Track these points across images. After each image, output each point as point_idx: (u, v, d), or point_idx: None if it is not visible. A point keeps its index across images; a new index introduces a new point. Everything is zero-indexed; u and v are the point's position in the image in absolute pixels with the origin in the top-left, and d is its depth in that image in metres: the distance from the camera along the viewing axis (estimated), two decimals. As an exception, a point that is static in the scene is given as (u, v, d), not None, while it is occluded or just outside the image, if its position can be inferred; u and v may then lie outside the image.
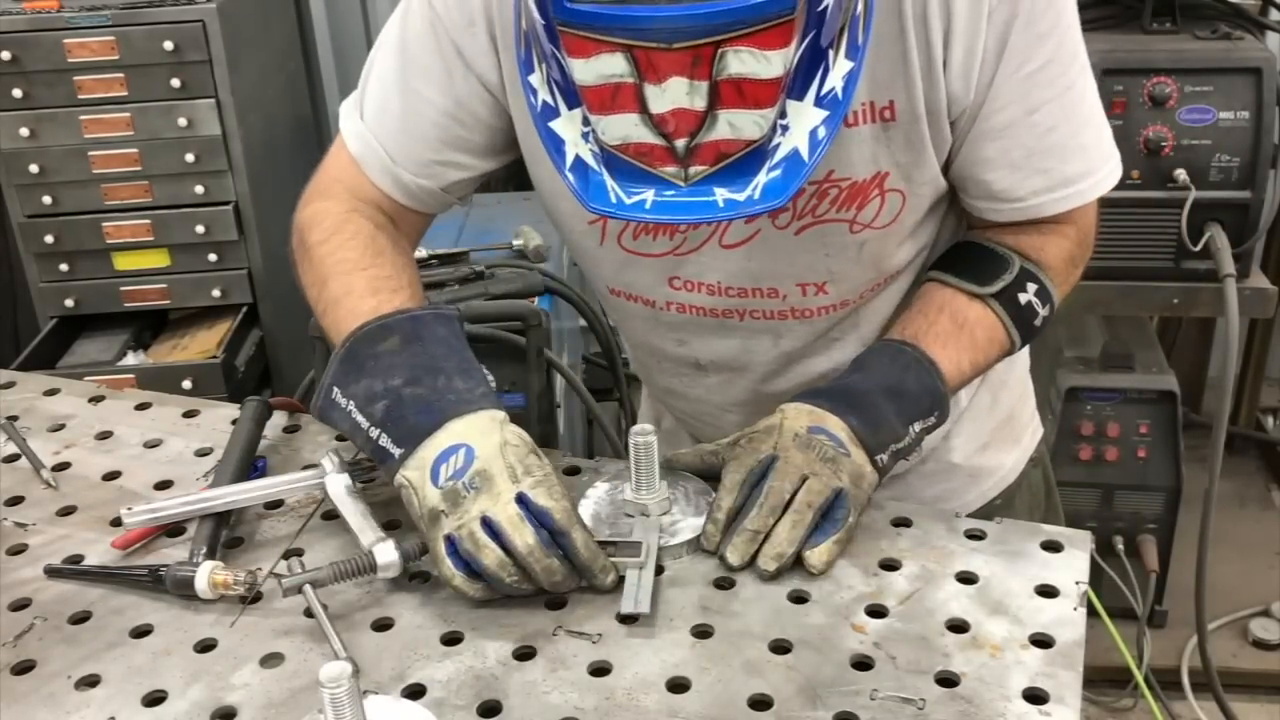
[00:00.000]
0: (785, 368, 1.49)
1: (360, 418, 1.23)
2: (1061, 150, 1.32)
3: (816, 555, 1.19)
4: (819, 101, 1.08)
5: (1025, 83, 1.26)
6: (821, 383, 1.41)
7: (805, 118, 1.08)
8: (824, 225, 1.33)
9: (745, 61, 0.99)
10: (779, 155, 1.07)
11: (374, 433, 1.22)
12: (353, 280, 1.35)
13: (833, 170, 1.29)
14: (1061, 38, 1.26)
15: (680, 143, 1.04)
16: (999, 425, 1.61)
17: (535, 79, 1.14)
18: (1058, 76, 1.27)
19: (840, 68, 1.08)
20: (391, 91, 1.41)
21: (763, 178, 1.07)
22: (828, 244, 1.35)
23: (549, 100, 1.12)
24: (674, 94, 1.01)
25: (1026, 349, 1.63)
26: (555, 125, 1.13)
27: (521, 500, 1.14)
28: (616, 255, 1.42)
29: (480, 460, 1.16)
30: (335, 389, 1.27)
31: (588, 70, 1.02)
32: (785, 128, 1.07)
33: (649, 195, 1.07)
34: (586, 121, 1.08)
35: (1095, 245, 1.46)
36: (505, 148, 1.43)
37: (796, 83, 1.06)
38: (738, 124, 1.03)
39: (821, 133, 1.08)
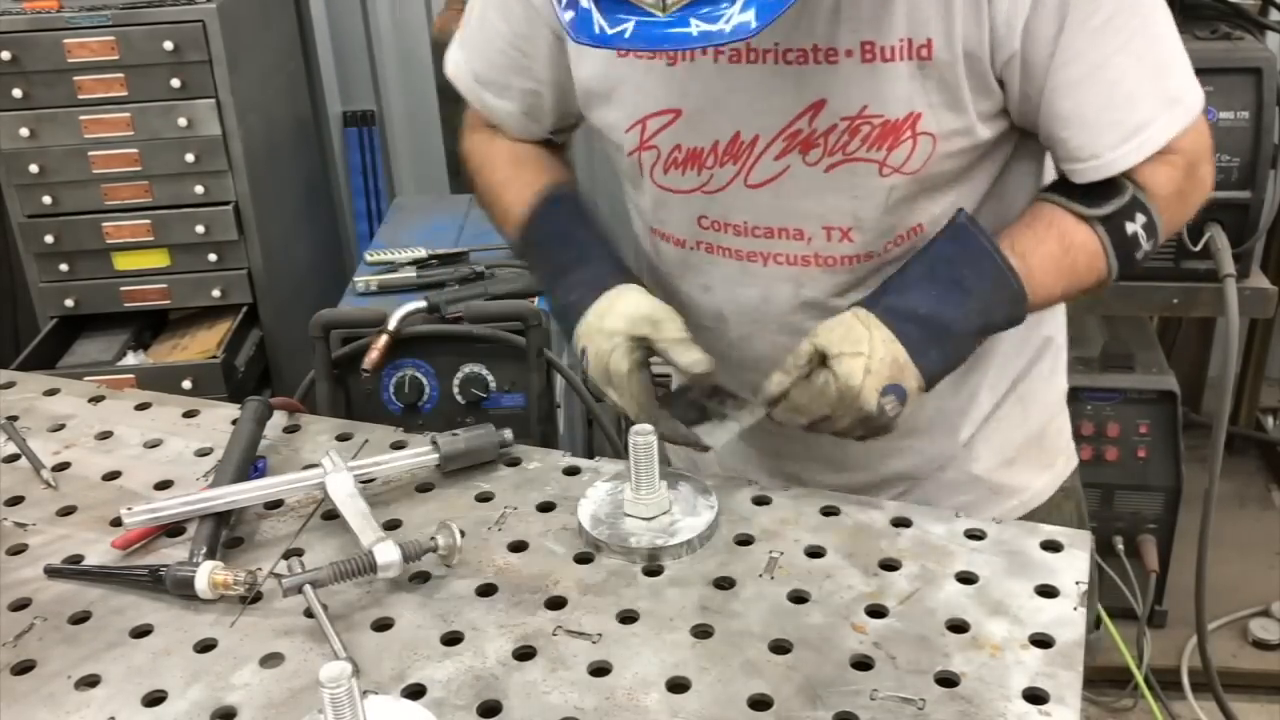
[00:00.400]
0: (804, 323, 1.43)
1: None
2: (1130, 102, 1.30)
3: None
4: None
5: (1094, 36, 1.25)
6: None
7: None
8: (854, 164, 1.33)
9: None
10: None
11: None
12: (508, 191, 1.58)
13: (866, 105, 1.29)
14: None
15: None
16: (1028, 442, 1.58)
17: None
18: (1123, 26, 1.26)
19: None
20: (474, 17, 1.56)
21: (736, 10, 1.08)
22: (856, 185, 1.34)
23: None
24: None
25: (1064, 368, 1.64)
26: None
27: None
28: (653, 191, 1.46)
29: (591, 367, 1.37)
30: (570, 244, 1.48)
31: None
32: None
33: (630, 25, 1.11)
34: None
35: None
36: (569, 79, 1.47)
37: None
38: None
39: None
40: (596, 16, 1.12)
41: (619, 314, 1.36)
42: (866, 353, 1.26)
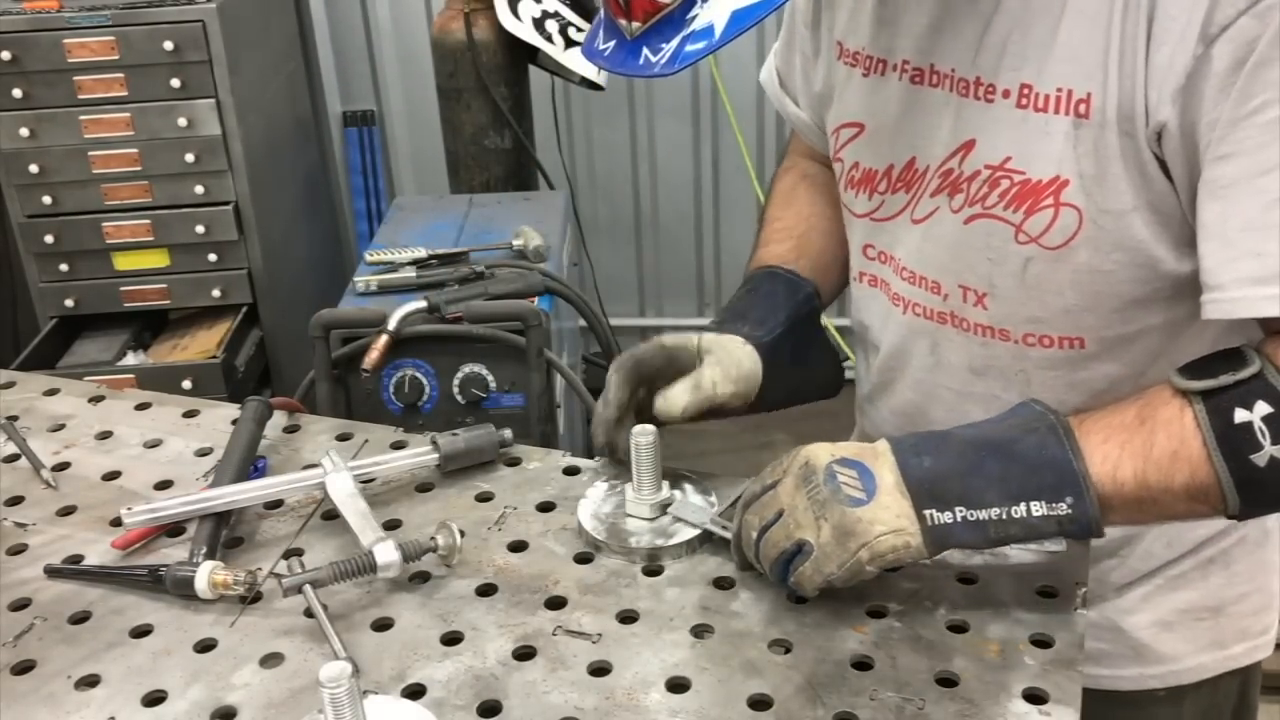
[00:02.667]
0: (934, 388, 1.33)
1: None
2: None
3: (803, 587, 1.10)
4: None
5: (1264, 132, 1.00)
6: None
7: None
8: (990, 221, 1.19)
9: None
10: (693, 26, 1.06)
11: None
12: (763, 232, 1.54)
13: (1010, 158, 1.16)
14: None
15: None
16: (1195, 610, 1.35)
17: None
18: None
19: None
20: (784, 22, 1.51)
21: (674, 44, 1.08)
22: (991, 246, 1.20)
23: None
24: None
25: (1277, 537, 1.37)
26: None
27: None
28: (844, 210, 1.43)
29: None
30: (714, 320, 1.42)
31: None
32: (705, 0, 1.07)
33: (611, 45, 1.14)
34: None
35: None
36: None
37: None
38: None
39: (743, 14, 1.04)
40: (600, 33, 1.16)
41: (683, 335, 1.33)
42: (822, 444, 1.12)
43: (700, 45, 1.06)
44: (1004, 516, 1.05)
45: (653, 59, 1.09)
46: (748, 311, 1.39)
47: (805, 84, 1.48)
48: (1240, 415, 1.02)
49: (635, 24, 1.10)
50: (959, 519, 1.05)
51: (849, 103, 1.34)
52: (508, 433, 1.41)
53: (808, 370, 1.41)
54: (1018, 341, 1.24)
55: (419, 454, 1.37)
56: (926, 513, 1.06)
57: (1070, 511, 1.04)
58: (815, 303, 1.43)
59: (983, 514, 1.05)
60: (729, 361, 1.31)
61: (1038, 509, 1.05)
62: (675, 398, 1.27)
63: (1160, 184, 1.10)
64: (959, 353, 1.29)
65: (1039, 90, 1.13)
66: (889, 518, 1.06)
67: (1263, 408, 1.01)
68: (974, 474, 1.06)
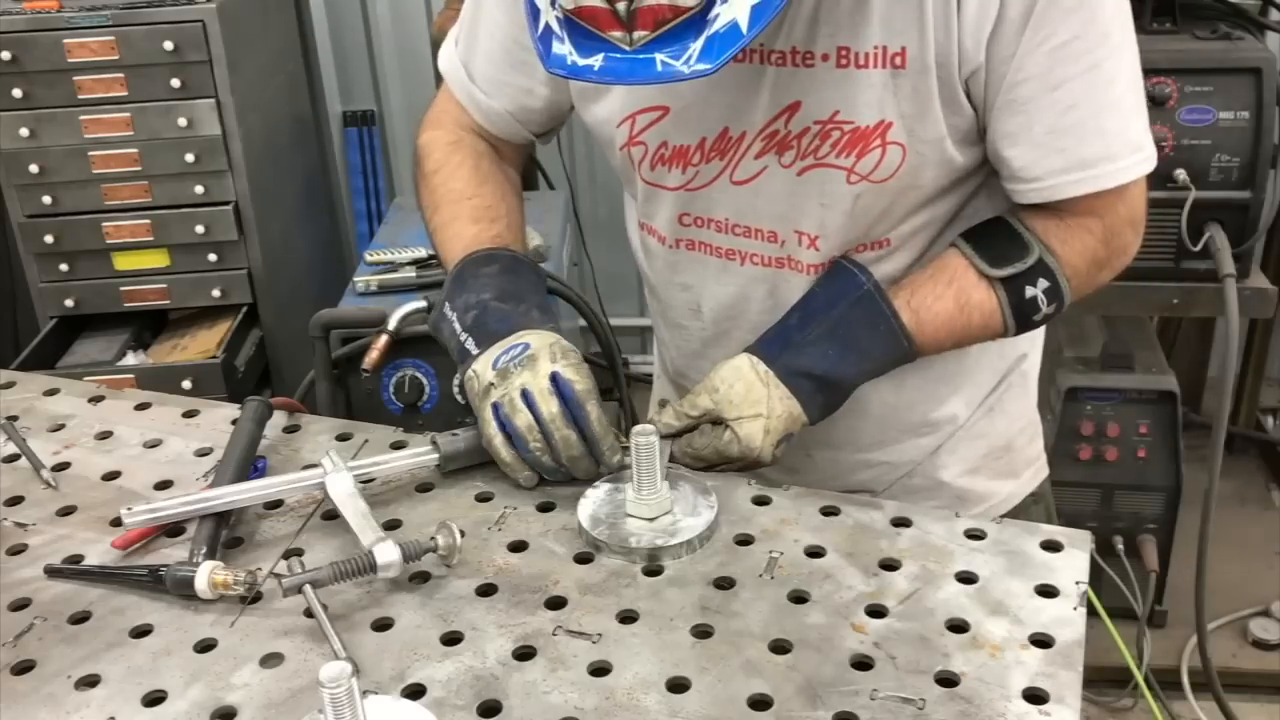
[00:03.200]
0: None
1: (456, 325, 1.41)
2: (1079, 130, 1.30)
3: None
4: None
5: (1049, 57, 1.25)
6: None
7: None
8: (823, 169, 1.35)
9: None
10: (717, 25, 1.10)
11: (462, 336, 1.40)
12: (459, 208, 1.55)
13: (838, 111, 1.31)
14: (1093, 14, 1.25)
15: (621, 6, 1.10)
16: (993, 453, 1.60)
17: None
18: (1083, 54, 1.26)
19: None
20: (470, 13, 1.55)
21: (699, 45, 1.11)
22: (825, 191, 1.36)
23: None
24: None
25: (1034, 385, 1.64)
26: None
27: (554, 377, 1.31)
28: (643, 187, 1.49)
29: (531, 349, 1.34)
30: (446, 304, 1.44)
31: None
32: None
33: (598, 59, 1.14)
34: None
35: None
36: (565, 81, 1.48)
37: None
38: None
39: (762, 5, 1.10)
40: (568, 48, 1.16)
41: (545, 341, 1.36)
42: (765, 414, 1.32)
43: (734, 39, 1.09)
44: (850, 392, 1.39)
45: (675, 63, 1.11)
46: (526, 296, 1.44)
47: (504, 74, 1.52)
48: (1029, 292, 1.37)
49: (639, 34, 1.11)
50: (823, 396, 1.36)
51: (641, 90, 1.39)
52: None
53: None
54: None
55: (418, 454, 1.37)
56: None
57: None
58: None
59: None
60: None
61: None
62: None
63: (966, 110, 1.31)
64: (796, 292, 1.44)
65: (856, 50, 1.28)
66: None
67: (1043, 284, 1.37)
68: (843, 393, 1.39)
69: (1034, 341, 1.61)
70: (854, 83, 1.29)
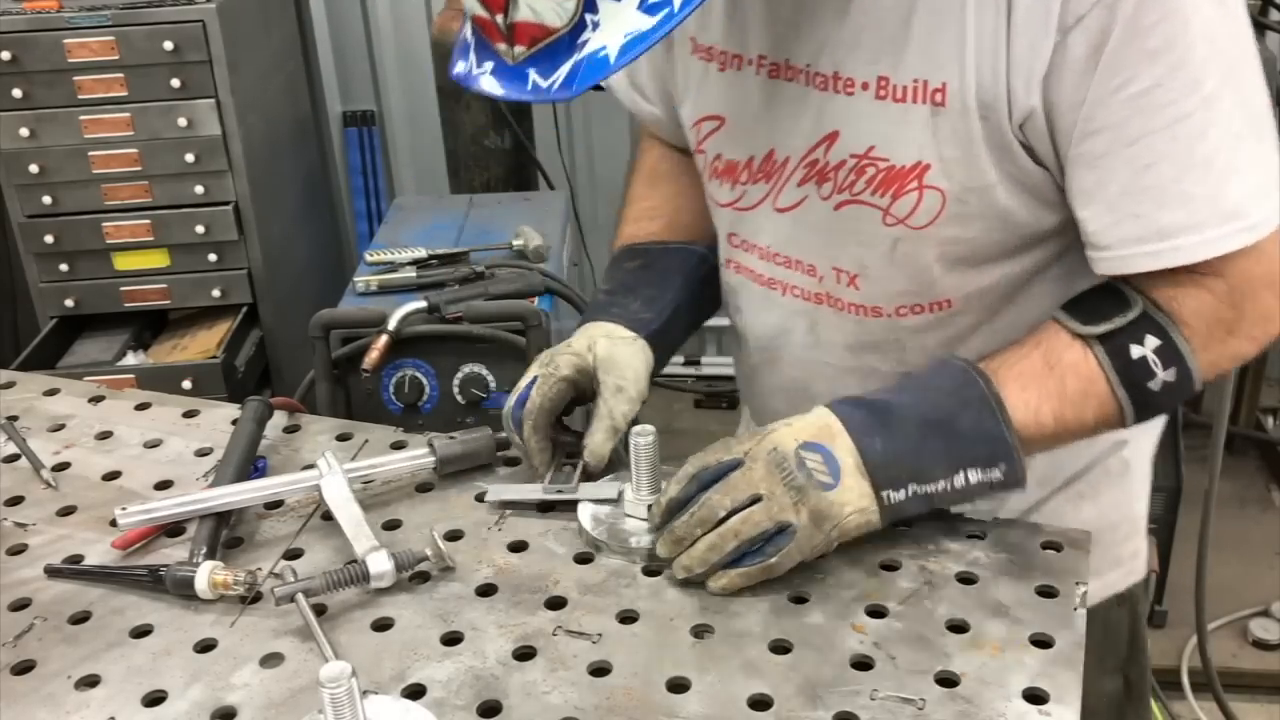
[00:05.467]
0: (817, 365, 1.39)
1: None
2: (1158, 194, 1.11)
3: (715, 580, 1.16)
4: (644, 6, 1.04)
5: (1125, 106, 1.09)
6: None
7: (621, 19, 1.05)
8: (859, 207, 1.25)
9: None
10: (585, 51, 1.07)
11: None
12: (629, 210, 1.58)
13: (873, 147, 1.22)
14: (1182, 58, 1.07)
15: (499, 19, 1.09)
16: None
17: None
18: (1167, 104, 1.08)
19: None
20: None
21: (565, 69, 1.08)
22: (861, 230, 1.26)
23: None
24: None
25: (1140, 481, 1.47)
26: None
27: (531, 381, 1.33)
28: (708, 199, 1.46)
29: (556, 349, 1.37)
30: (600, 293, 1.48)
31: None
32: (596, 24, 1.06)
33: (488, 68, 1.14)
34: None
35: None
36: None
37: None
38: (537, 8, 1.06)
39: (635, 39, 1.05)
40: (471, 57, 1.16)
41: (592, 336, 1.37)
42: (793, 419, 1.19)
43: (598, 69, 1.06)
44: (947, 488, 1.16)
45: (542, 83, 1.09)
46: (638, 287, 1.44)
47: (655, 81, 1.51)
48: (1135, 351, 1.16)
49: (519, 49, 1.09)
50: (910, 494, 1.16)
51: (708, 96, 1.37)
52: (505, 435, 1.41)
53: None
54: (890, 315, 1.31)
55: (415, 457, 1.37)
56: (884, 493, 1.15)
57: (1002, 477, 1.17)
58: (712, 260, 1.49)
59: (930, 487, 1.16)
60: (627, 379, 1.34)
61: (975, 476, 1.16)
62: (600, 447, 1.32)
63: (1023, 159, 1.17)
64: (836, 331, 1.36)
65: (896, 82, 1.19)
66: (854, 499, 1.15)
67: (1152, 341, 1.16)
68: (922, 453, 1.16)
69: (1143, 426, 1.32)
70: (892, 117, 1.19)
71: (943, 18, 1.14)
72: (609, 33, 1.05)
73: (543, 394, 1.32)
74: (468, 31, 1.17)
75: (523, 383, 1.34)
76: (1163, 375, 1.16)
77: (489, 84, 1.13)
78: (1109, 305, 1.18)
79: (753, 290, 1.42)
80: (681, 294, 1.45)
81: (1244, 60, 1.12)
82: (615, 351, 1.36)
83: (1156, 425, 1.45)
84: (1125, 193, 1.13)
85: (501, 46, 1.11)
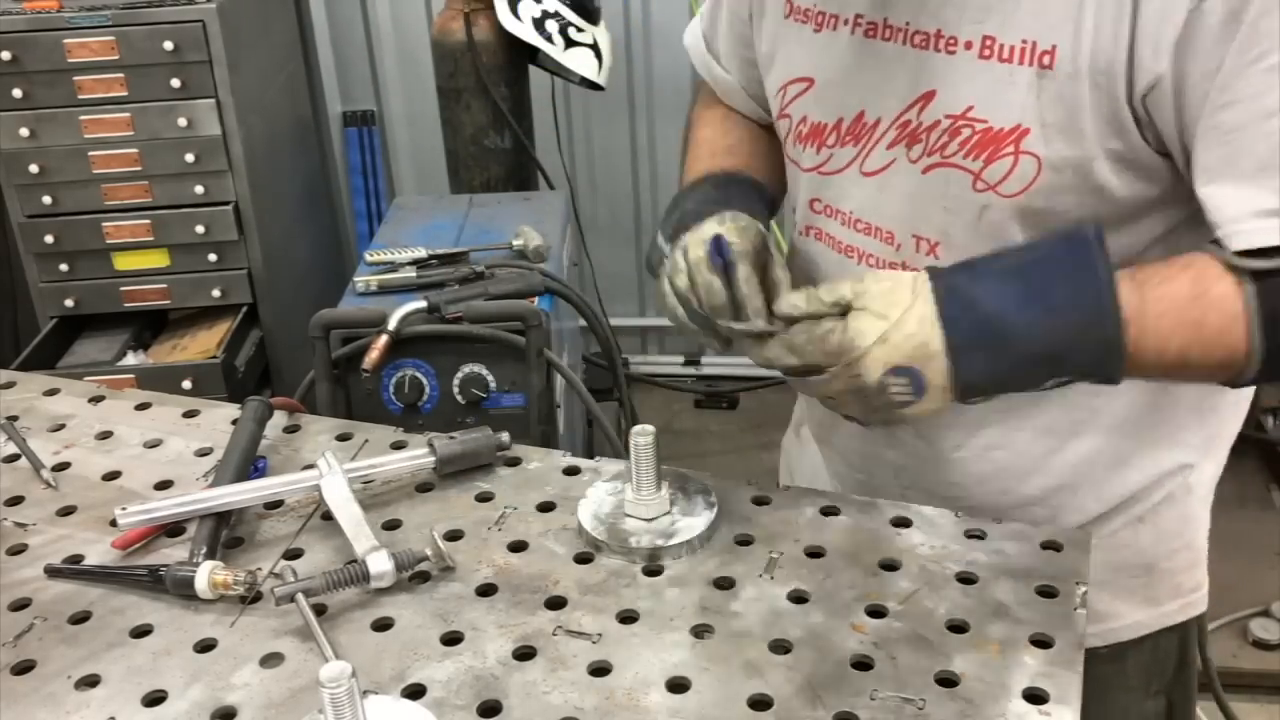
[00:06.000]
0: None
1: (660, 240, 1.34)
2: None
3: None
4: None
5: (1265, 78, 1.05)
6: None
7: None
8: (949, 169, 1.21)
9: None
10: None
11: (660, 240, 1.34)
12: (699, 150, 1.51)
13: (972, 106, 1.18)
14: None
15: None
16: (1129, 569, 1.39)
17: None
18: None
19: None
20: None
21: None
22: (949, 195, 1.22)
23: None
24: None
25: (1202, 509, 1.42)
26: None
27: (716, 237, 1.21)
28: (788, 164, 1.43)
29: (704, 219, 1.26)
30: (659, 232, 1.36)
31: None
32: None
33: None
34: None
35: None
36: None
37: None
38: None
39: None
40: None
41: (737, 214, 1.27)
42: (893, 319, 1.08)
43: None
44: (1026, 389, 1.13)
45: None
46: (730, 199, 1.33)
47: (734, 47, 1.50)
48: None
49: None
50: (985, 398, 1.14)
51: (797, 59, 1.35)
52: (505, 436, 1.41)
53: None
54: None
55: (415, 457, 1.38)
56: (969, 400, 1.12)
57: (1090, 383, 1.13)
58: (772, 205, 1.46)
59: (1009, 395, 1.15)
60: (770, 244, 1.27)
61: (1055, 383, 1.12)
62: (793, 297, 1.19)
63: (1132, 133, 1.13)
64: None
65: (1002, 41, 1.15)
66: (930, 408, 1.11)
67: None
68: (1023, 380, 1.11)
69: (1208, 451, 1.38)
70: (995, 77, 1.15)
71: None
72: None
73: (746, 238, 1.22)
74: None
75: (695, 243, 1.23)
76: None
77: None
78: (1269, 248, 1.08)
79: (830, 258, 1.37)
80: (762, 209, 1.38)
81: None
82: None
83: (1223, 449, 1.42)
84: (1261, 165, 1.07)
85: None
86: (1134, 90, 1.10)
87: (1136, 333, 1.08)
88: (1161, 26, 1.07)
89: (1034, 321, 1.08)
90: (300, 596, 1.15)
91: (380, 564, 1.19)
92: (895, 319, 1.08)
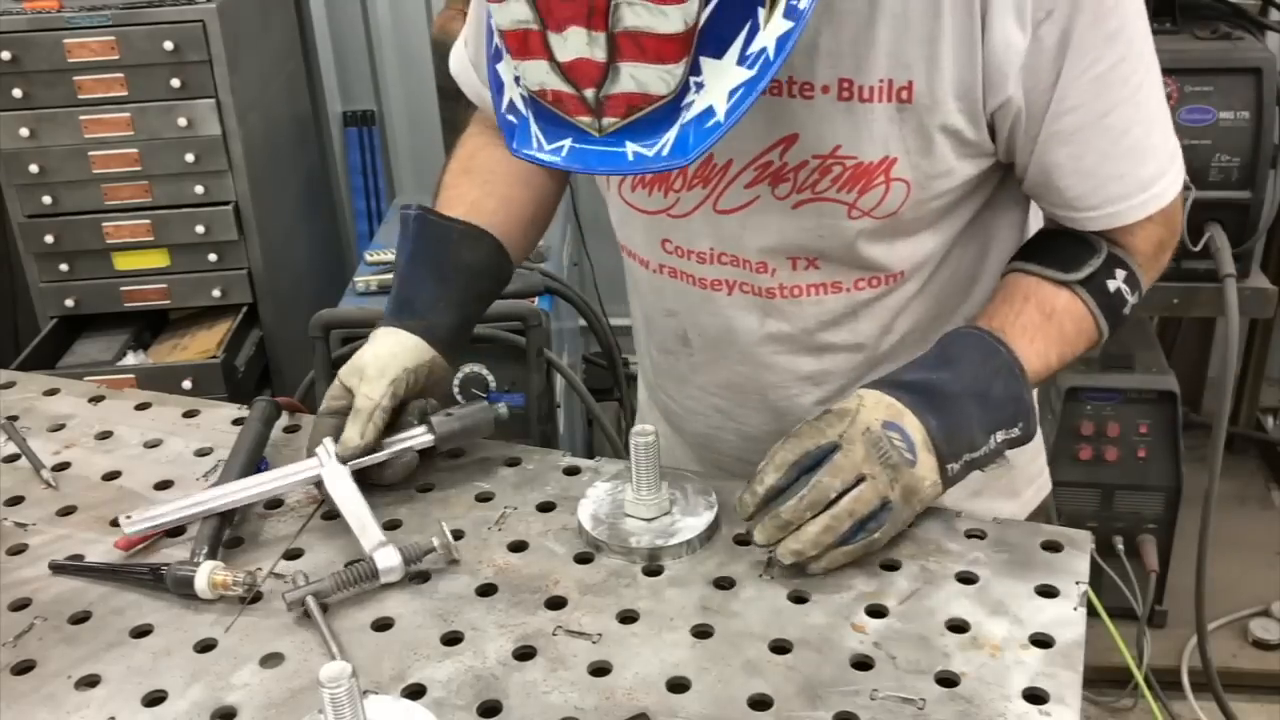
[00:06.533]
0: (771, 355, 1.42)
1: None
2: (1135, 154, 1.28)
3: (818, 562, 1.17)
4: (743, 60, 1.04)
5: (1095, 84, 1.22)
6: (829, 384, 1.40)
7: (724, 77, 1.04)
8: (822, 203, 1.29)
9: (640, 15, 0.99)
10: (692, 113, 1.05)
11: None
12: (438, 200, 1.52)
13: (839, 146, 1.25)
14: (1131, 36, 1.22)
15: (589, 93, 1.04)
16: (994, 471, 1.55)
17: (493, 21, 1.13)
18: (1128, 76, 1.23)
19: (775, 28, 1.04)
20: (475, 12, 1.53)
21: (673, 135, 1.05)
22: (822, 225, 1.31)
23: (499, 43, 1.13)
24: (575, 44, 1.02)
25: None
26: (499, 67, 1.16)
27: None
28: (619, 206, 1.44)
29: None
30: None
31: (502, 14, 1.05)
32: (700, 85, 1.04)
33: (567, 143, 1.09)
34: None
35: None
36: None
37: (711, 40, 1.03)
38: (641, 78, 1.02)
39: (741, 93, 1.04)
40: (535, 130, 1.11)
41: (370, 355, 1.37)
42: (855, 401, 1.20)
43: (711, 131, 1.04)
44: (986, 452, 1.24)
45: (647, 153, 1.06)
46: (414, 298, 1.41)
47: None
48: (1111, 285, 1.31)
49: (608, 120, 1.06)
50: (962, 464, 1.22)
51: None
52: (502, 407, 1.40)
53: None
54: (849, 290, 1.37)
55: (414, 436, 1.35)
56: (947, 466, 1.20)
57: (1020, 434, 1.26)
58: (499, 257, 1.50)
59: (974, 455, 1.23)
60: (384, 366, 1.35)
61: (1001, 436, 1.24)
62: (346, 438, 1.32)
63: (984, 142, 1.27)
64: (792, 318, 1.39)
65: (860, 83, 1.22)
66: (928, 472, 1.19)
67: (1121, 274, 1.32)
68: (968, 425, 1.22)
69: None
70: (856, 117, 1.23)
71: (910, 19, 1.19)
72: (713, 92, 1.04)
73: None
74: (518, 104, 1.13)
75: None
76: (1131, 300, 1.33)
77: (575, 159, 1.08)
78: (1078, 251, 1.32)
79: (692, 294, 1.42)
80: (463, 284, 1.46)
81: (1147, 29, 1.27)
82: (380, 353, 1.37)
83: None
84: (1105, 158, 1.26)
85: (585, 119, 1.06)
86: (987, 107, 1.24)
87: (1022, 357, 1.26)
88: (1006, 54, 1.20)
89: (948, 373, 1.23)
90: (310, 600, 1.15)
91: (388, 559, 1.19)
92: (857, 399, 1.21)
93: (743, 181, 1.31)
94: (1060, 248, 1.33)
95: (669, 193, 1.36)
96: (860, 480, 1.16)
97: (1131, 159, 1.28)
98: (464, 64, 1.58)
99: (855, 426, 1.17)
